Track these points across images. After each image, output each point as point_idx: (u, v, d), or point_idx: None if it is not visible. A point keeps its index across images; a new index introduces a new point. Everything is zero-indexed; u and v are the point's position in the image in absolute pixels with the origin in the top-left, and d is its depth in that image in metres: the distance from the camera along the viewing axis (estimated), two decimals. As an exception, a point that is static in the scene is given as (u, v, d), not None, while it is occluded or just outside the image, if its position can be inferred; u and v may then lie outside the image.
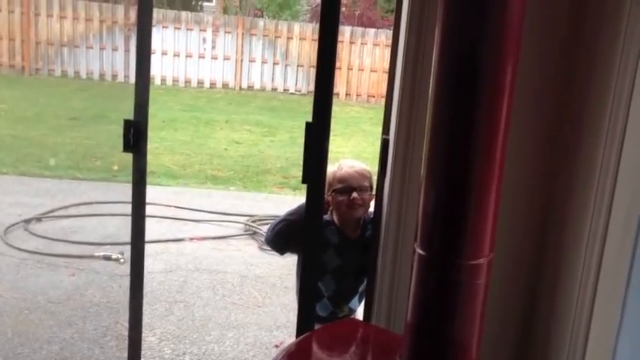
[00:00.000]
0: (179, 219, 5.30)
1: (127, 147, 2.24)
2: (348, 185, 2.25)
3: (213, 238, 4.95)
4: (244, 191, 6.66)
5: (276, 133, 10.11)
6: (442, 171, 1.54)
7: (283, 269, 4.38)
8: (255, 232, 5.10)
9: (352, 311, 2.39)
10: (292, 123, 10.49)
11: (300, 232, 2.14)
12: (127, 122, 2.22)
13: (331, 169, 2.26)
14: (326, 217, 2.31)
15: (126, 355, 2.78)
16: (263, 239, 4.81)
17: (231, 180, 7.08)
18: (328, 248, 2.28)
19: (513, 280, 1.99)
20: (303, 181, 2.09)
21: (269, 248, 4.88)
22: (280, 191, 6.86)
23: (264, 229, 5.19)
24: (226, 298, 3.88)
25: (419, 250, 1.57)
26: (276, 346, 3.32)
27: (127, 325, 3.29)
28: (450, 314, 1.53)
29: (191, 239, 4.88)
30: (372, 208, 2.30)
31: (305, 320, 2.16)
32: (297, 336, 2.17)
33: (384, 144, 2.17)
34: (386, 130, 2.19)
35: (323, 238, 2.26)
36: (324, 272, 2.29)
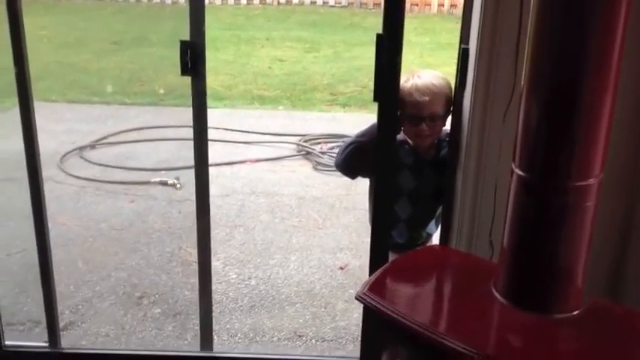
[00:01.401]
0: (230, 141, 5.20)
1: (185, 70, 2.10)
2: (418, 114, 2.06)
3: (267, 159, 4.88)
4: (293, 110, 6.52)
5: (319, 49, 9.81)
6: (547, 81, 1.37)
7: (341, 189, 4.30)
8: (308, 152, 5.00)
9: (430, 236, 2.28)
10: (334, 37, 10.14)
11: (372, 154, 2.00)
12: (183, 44, 2.06)
13: (405, 81, 2.06)
14: (399, 135, 2.17)
15: (193, 280, 2.78)
16: (317, 160, 4.74)
17: (278, 99, 6.93)
18: (402, 169, 2.15)
19: (613, 200, 1.83)
20: (375, 99, 1.93)
21: (324, 168, 4.92)
22: (330, 109, 6.69)
23: (317, 148, 5.09)
24: (286, 220, 3.83)
25: (518, 171, 1.43)
26: (341, 269, 3.28)
27: (190, 250, 3.31)
28: (555, 239, 1.41)
29: (245, 162, 4.81)
30: (447, 125, 2.13)
31: (380, 247, 2.07)
32: (370, 266, 2.08)
33: (464, 54, 1.98)
34: (465, 38, 2.00)
35: (397, 159, 2.12)
36: (399, 195, 2.17)
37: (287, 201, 4.13)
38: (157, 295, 2.97)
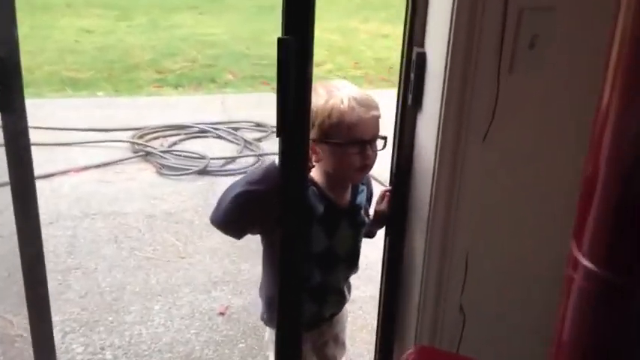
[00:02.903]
0: (41, 144, 4.12)
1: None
2: (362, 136, 1.42)
3: (96, 166, 3.94)
4: (116, 96, 5.52)
5: (131, 16, 8.66)
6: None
7: (197, 198, 3.55)
8: (148, 153, 4.13)
9: (337, 312, 1.68)
10: (146, 1, 9.05)
11: (270, 206, 1.33)
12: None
13: (329, 99, 1.42)
14: None
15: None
16: (161, 162, 3.92)
17: (95, 82, 5.85)
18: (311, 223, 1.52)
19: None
20: (278, 134, 1.23)
21: (170, 172, 4.06)
22: (160, 91, 5.78)
23: (157, 145, 4.26)
24: (136, 252, 3.02)
25: (587, 264, 0.89)
26: (221, 314, 2.59)
27: (10, 318, 2.42)
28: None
29: (68, 172, 3.83)
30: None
31: (290, 329, 1.40)
32: (278, 354, 1.44)
33: (419, 60, 1.38)
34: (417, 38, 1.40)
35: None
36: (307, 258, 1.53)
37: (133, 222, 3.29)
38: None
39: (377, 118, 1.43)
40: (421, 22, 1.37)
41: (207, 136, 4.50)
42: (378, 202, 1.64)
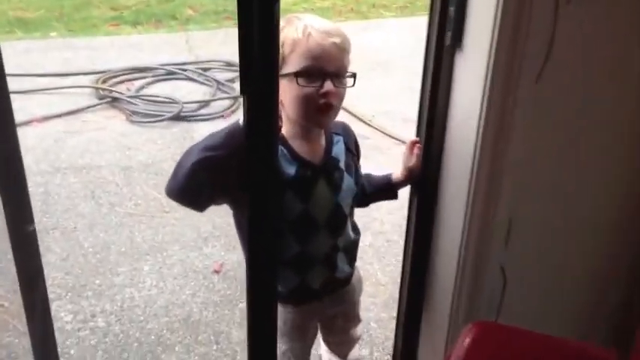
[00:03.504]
0: (-3, 92, 3.81)
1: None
2: (321, 67, 1.23)
3: (60, 115, 3.66)
4: (71, 37, 5.14)
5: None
6: None
7: (174, 146, 3.34)
8: (115, 99, 3.85)
9: (340, 280, 1.47)
10: None
11: (231, 172, 1.17)
12: None
13: (285, 26, 1.24)
14: None
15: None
16: (130, 108, 3.67)
17: (46, 22, 5.43)
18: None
19: None
20: (242, 91, 1.03)
21: (142, 119, 3.77)
22: (117, 30, 5.41)
23: (123, 90, 3.98)
24: (117, 208, 2.82)
25: None
26: (216, 272, 2.45)
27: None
28: None
29: (30, 122, 3.55)
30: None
31: (262, 307, 1.18)
32: (250, 338, 1.25)
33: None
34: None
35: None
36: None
37: (109, 176, 3.07)
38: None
39: (341, 48, 1.24)
40: (463, -52, 1.19)
41: (175, 78, 4.22)
42: (407, 157, 1.45)
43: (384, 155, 3.33)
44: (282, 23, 1.21)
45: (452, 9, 1.22)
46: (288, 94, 1.25)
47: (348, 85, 1.28)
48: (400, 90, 4.23)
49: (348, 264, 1.46)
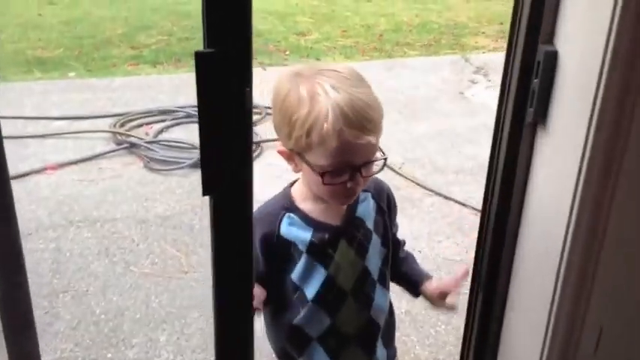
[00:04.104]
0: (9, 137, 3.62)
1: None
2: (350, 163, 1.07)
3: (76, 162, 3.50)
4: (89, 77, 5.02)
5: (98, -14, 8.05)
6: None
7: (194, 197, 3.16)
8: (132, 145, 3.70)
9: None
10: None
11: None
12: None
13: (303, 108, 1.05)
14: (278, 198, 1.22)
15: None
16: (147, 155, 3.51)
17: (64, 62, 5.33)
18: (296, 258, 1.18)
19: None
20: (205, 191, 0.82)
21: (160, 166, 3.57)
22: (137, 69, 5.30)
23: (142, 134, 3.83)
24: (132, 267, 2.63)
25: None
26: (240, 342, 2.24)
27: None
28: None
29: (44, 170, 3.39)
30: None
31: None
32: None
33: (547, 61, 1.02)
34: (545, 30, 1.03)
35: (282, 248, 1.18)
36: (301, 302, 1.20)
37: (124, 230, 2.89)
38: None
39: (376, 140, 1.07)
40: (551, 9, 1.00)
41: (195, 122, 4.05)
42: (448, 286, 1.27)
43: (416, 208, 3.12)
44: (304, 92, 1.05)
45: (536, 81, 1.02)
46: (309, 176, 1.11)
47: (375, 169, 1.11)
48: (429, 135, 4.04)
49: (384, 346, 1.29)
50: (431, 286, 1.29)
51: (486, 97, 4.64)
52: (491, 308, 1.23)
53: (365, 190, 1.21)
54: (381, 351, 1.27)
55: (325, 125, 1.02)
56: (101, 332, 2.26)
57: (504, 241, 1.17)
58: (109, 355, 2.15)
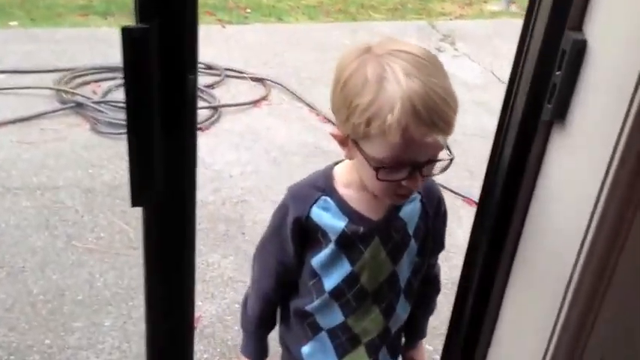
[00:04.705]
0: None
1: None
2: (410, 160, 0.92)
3: (15, 121, 3.21)
4: (33, 26, 4.65)
5: None
6: None
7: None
8: (79, 104, 3.41)
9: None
10: None
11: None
12: None
13: (367, 93, 0.89)
14: (318, 179, 1.07)
15: None
16: (95, 116, 3.26)
17: (6, 9, 4.92)
18: (322, 244, 1.06)
19: None
20: (134, 202, 0.69)
21: (109, 129, 3.28)
22: (86, 20, 4.94)
23: (88, 93, 3.56)
24: (75, 242, 2.41)
25: None
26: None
27: None
28: None
29: (-23, 129, 3.10)
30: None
31: None
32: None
33: (574, 50, 0.87)
34: (573, 15, 0.87)
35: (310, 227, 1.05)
36: (319, 290, 1.09)
37: (67, 199, 2.65)
38: None
39: (445, 138, 0.91)
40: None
41: (148, 81, 3.79)
42: None
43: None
44: (371, 73, 0.89)
45: (558, 74, 0.86)
46: (362, 167, 0.96)
47: (436, 172, 0.96)
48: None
49: (389, 354, 1.19)
50: (415, 354, 1.28)
51: (454, 66, 4.51)
52: (480, 329, 1.10)
53: (417, 192, 1.06)
54: (384, 358, 1.18)
55: (390, 117, 0.86)
56: (39, 315, 2.05)
57: (500, 256, 1.03)
58: (47, 342, 1.96)
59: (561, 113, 0.88)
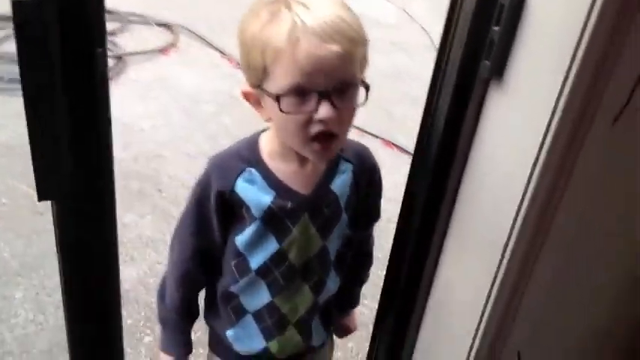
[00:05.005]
0: None
1: None
2: (314, 86, 0.83)
3: None
4: None
5: None
6: None
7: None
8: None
9: (311, 347, 1.14)
10: None
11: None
12: None
13: (258, 25, 0.84)
14: (238, 149, 0.99)
15: None
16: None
17: None
18: (246, 221, 0.98)
19: None
20: (41, 196, 0.64)
21: (3, 86, 3.00)
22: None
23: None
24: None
25: None
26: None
27: None
28: None
29: None
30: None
31: None
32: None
33: (513, 5, 0.84)
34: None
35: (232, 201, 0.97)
36: (243, 271, 1.02)
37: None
38: None
39: (347, 54, 0.83)
40: None
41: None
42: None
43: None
44: (265, 15, 0.83)
45: (495, 29, 0.83)
46: (272, 113, 0.89)
47: (359, 101, 0.88)
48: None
49: (324, 328, 1.14)
50: (348, 321, 1.26)
51: (364, 4, 4.44)
52: (413, 306, 1.10)
53: (348, 161, 1.00)
54: (320, 333, 1.13)
55: (280, 37, 0.81)
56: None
57: (435, 223, 1.02)
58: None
59: (499, 71, 0.86)
